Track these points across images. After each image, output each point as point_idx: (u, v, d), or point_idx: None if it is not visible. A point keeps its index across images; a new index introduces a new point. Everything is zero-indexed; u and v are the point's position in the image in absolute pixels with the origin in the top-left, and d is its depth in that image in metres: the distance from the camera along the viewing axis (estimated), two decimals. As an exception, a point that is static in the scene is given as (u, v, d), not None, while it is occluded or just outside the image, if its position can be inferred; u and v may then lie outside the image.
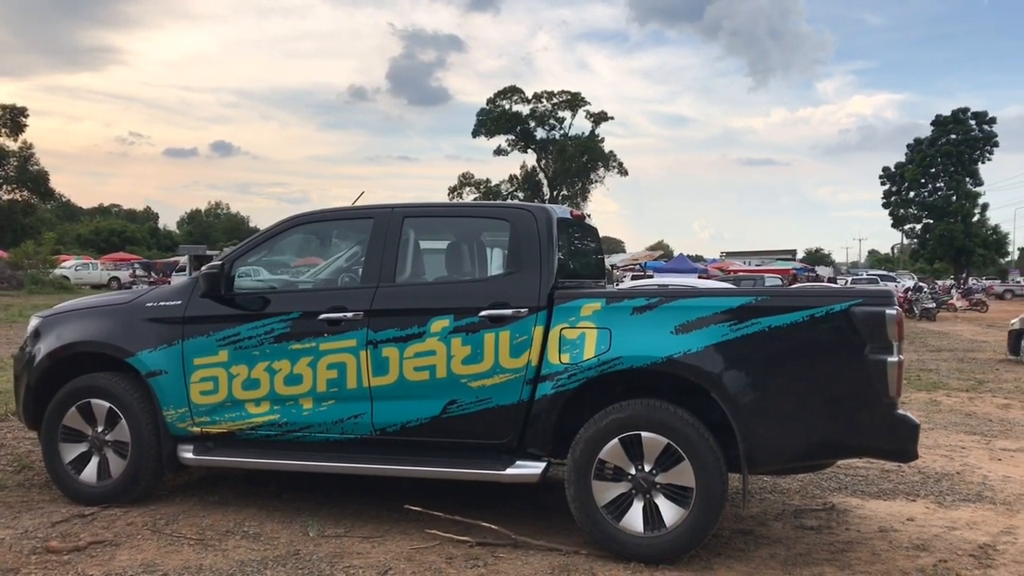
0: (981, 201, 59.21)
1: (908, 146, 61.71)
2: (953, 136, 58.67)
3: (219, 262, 5.08)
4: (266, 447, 5.04)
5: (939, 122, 59.60)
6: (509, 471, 4.55)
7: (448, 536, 4.68)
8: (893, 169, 61.59)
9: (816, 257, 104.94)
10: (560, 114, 76.37)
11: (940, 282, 55.54)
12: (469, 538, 4.65)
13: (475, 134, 76.62)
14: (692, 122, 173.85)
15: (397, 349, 4.70)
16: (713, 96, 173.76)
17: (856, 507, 5.70)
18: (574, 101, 75.72)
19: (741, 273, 28.33)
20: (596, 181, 77.92)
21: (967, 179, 58.67)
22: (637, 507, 4.37)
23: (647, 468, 4.35)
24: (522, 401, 4.54)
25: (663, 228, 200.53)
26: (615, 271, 21.30)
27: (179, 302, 5.17)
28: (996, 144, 58.79)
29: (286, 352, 4.89)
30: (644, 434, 4.32)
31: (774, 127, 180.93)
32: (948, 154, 58.06)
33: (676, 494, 4.31)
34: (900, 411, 4.13)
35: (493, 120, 75.22)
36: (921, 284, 41.70)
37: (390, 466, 4.76)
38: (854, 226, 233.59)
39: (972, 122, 58.84)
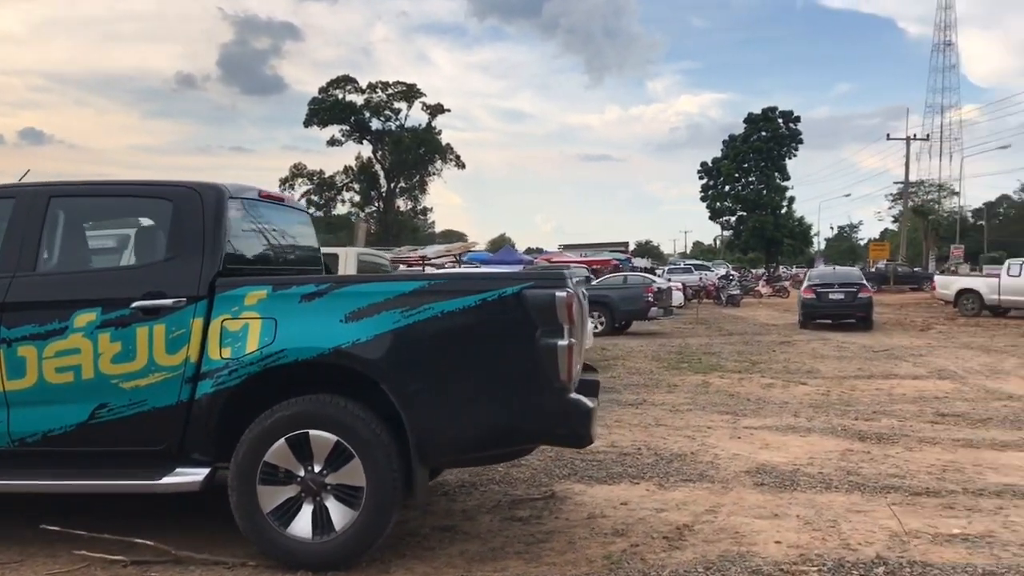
0: (789, 195, 63.55)
1: (724, 142, 65.33)
2: (763, 133, 62.55)
3: None
4: None
5: (751, 120, 63.40)
6: (165, 480, 4.09)
7: (100, 556, 4.16)
8: (710, 164, 64.99)
9: (646, 249, 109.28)
10: (396, 105, 75.32)
11: (754, 271, 59.19)
12: (124, 557, 4.16)
13: (307, 124, 74.32)
14: (531, 118, 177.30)
15: (35, 348, 4.12)
16: (551, 92, 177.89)
17: (578, 493, 5.64)
18: (409, 92, 74.88)
19: (549, 261, 28.76)
20: (434, 173, 77.46)
21: (776, 174, 62.73)
22: (306, 511, 4.03)
23: (317, 469, 4.02)
24: (181, 402, 4.09)
25: (506, 221, 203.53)
26: (426, 263, 20.97)
27: None
28: (801, 141, 63.26)
29: (-97, 355, 4.19)
30: (312, 432, 3.99)
31: (610, 124, 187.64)
32: (759, 150, 61.85)
33: (347, 495, 4.01)
34: (573, 396, 4.00)
35: (326, 110, 73.16)
36: (733, 273, 44.15)
37: (29, 481, 4.19)
38: (683, 219, 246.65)
39: (780, 120, 62.96)
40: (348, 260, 9.32)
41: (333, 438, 3.98)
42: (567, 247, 59.98)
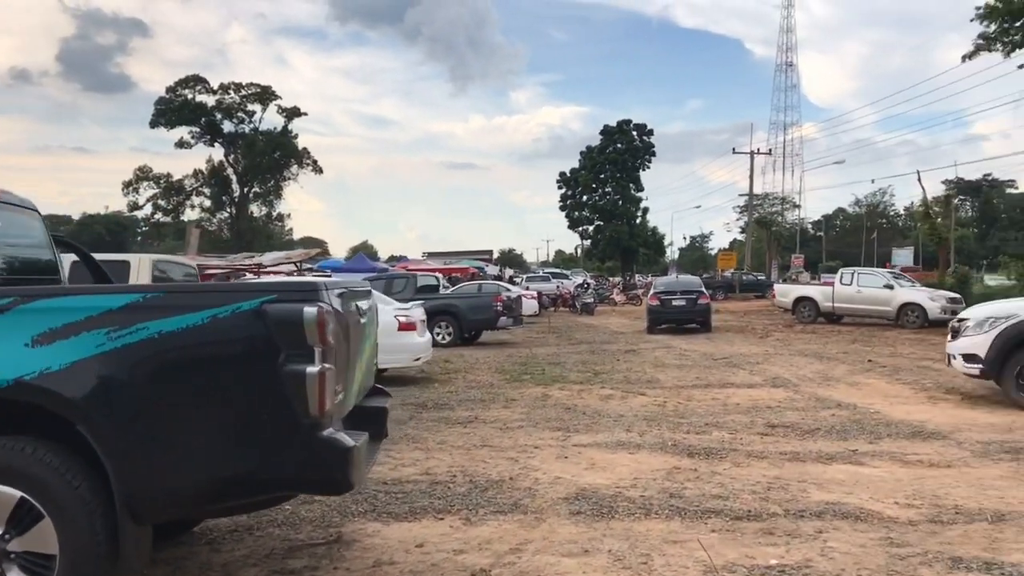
0: (643, 205, 65.35)
1: (581, 153, 66.48)
2: (619, 145, 64.04)
3: None
4: None
5: (606, 132, 64.85)
6: None
7: None
8: (568, 174, 65.94)
9: (509, 257, 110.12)
10: (250, 107, 72.17)
11: (612, 279, 60.42)
12: None
13: (154, 125, 70.13)
14: (395, 124, 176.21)
15: None
16: (415, 99, 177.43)
17: (371, 535, 4.94)
18: (264, 94, 71.98)
19: (406, 269, 27.93)
20: (290, 178, 74.69)
21: (631, 185, 64.33)
22: (-19, 588, 3.15)
23: (-4, 533, 3.15)
24: None
25: (370, 228, 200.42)
26: (262, 272, 19.61)
27: None
28: (654, 153, 65.24)
29: None
30: (-12, 488, 3.12)
31: (474, 133, 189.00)
32: (614, 161, 63.28)
33: (34, 565, 3.15)
34: (327, 433, 3.30)
35: (174, 110, 69.22)
36: (589, 281, 44.63)
37: None
38: (546, 228, 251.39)
39: (634, 133, 64.68)
40: (141, 268, 8.26)
41: (16, 494, 3.13)
42: (431, 255, 59.54)
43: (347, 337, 3.61)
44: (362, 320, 4.07)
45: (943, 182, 59.92)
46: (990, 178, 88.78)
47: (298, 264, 21.44)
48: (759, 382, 12.16)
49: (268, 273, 19.46)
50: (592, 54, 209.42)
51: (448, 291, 22.65)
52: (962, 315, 10.92)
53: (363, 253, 40.51)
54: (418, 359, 12.03)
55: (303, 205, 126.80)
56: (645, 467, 6.72)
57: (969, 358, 10.02)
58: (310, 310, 3.22)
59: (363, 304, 4.12)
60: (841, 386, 11.68)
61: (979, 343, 9.85)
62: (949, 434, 8.02)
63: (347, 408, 3.77)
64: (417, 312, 12.21)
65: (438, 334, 18.20)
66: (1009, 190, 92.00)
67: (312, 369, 3.20)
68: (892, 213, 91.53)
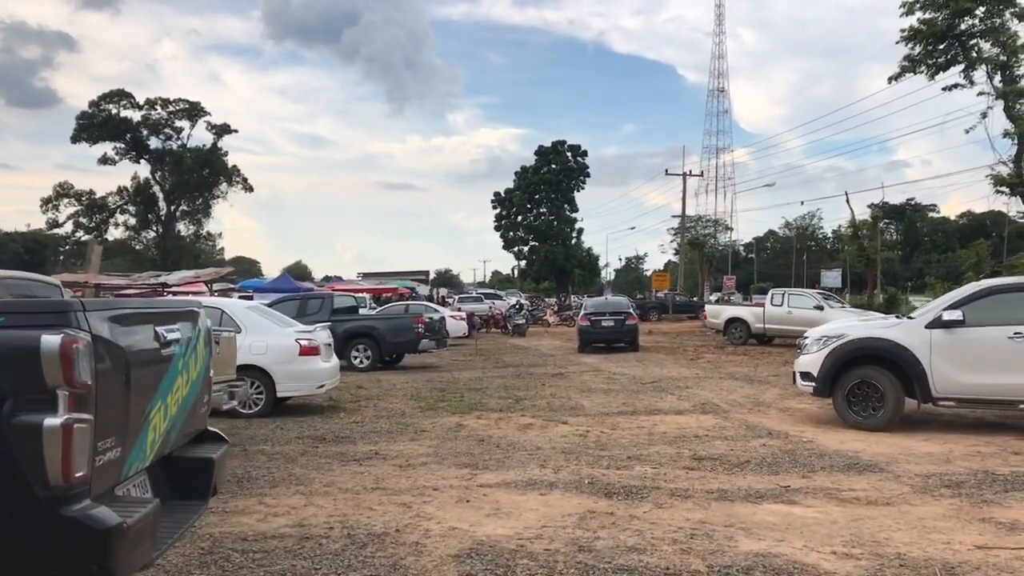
0: (578, 226, 65.22)
1: (516, 173, 66.14)
2: (553, 166, 63.92)
3: None
4: None
5: (541, 152, 64.71)
6: None
7: None
8: (503, 194, 65.48)
9: (446, 278, 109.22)
10: (178, 123, 70.01)
11: (548, 299, 59.97)
12: None
13: (75, 140, 67.50)
14: (331, 144, 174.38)
15: None
16: (352, 119, 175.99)
17: (207, 613, 4.02)
18: (193, 111, 69.92)
19: (333, 290, 26.67)
20: (219, 196, 72.55)
21: (566, 206, 64.21)
22: None
23: None
24: None
25: (305, 248, 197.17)
26: (166, 293, 18.25)
27: None
28: (588, 174, 65.31)
29: None
30: None
31: (411, 153, 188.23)
32: (549, 182, 63.12)
33: None
34: (78, 508, 2.41)
35: (97, 126, 66.75)
36: (523, 302, 43.97)
37: None
38: (483, 248, 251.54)
39: (568, 154, 64.68)
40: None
41: None
42: (366, 275, 58.27)
43: (127, 374, 2.71)
44: (167, 351, 3.17)
45: (869, 206, 61.10)
46: (913, 202, 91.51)
47: (209, 284, 20.09)
48: (687, 408, 11.51)
49: (174, 294, 18.15)
50: (529, 78, 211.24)
51: (372, 312, 21.64)
52: (807, 332, 10.82)
53: (288, 274, 38.97)
54: (322, 386, 11.03)
55: (235, 224, 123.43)
56: (556, 511, 5.93)
57: (804, 375, 10.01)
58: (50, 339, 2.33)
59: (170, 330, 3.21)
60: (772, 412, 11.11)
61: (813, 361, 9.85)
62: (886, 466, 7.44)
63: (135, 467, 2.87)
64: (322, 335, 11.22)
65: (356, 358, 17.20)
66: (931, 214, 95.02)
67: (52, 421, 2.31)
68: (821, 235, 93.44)
